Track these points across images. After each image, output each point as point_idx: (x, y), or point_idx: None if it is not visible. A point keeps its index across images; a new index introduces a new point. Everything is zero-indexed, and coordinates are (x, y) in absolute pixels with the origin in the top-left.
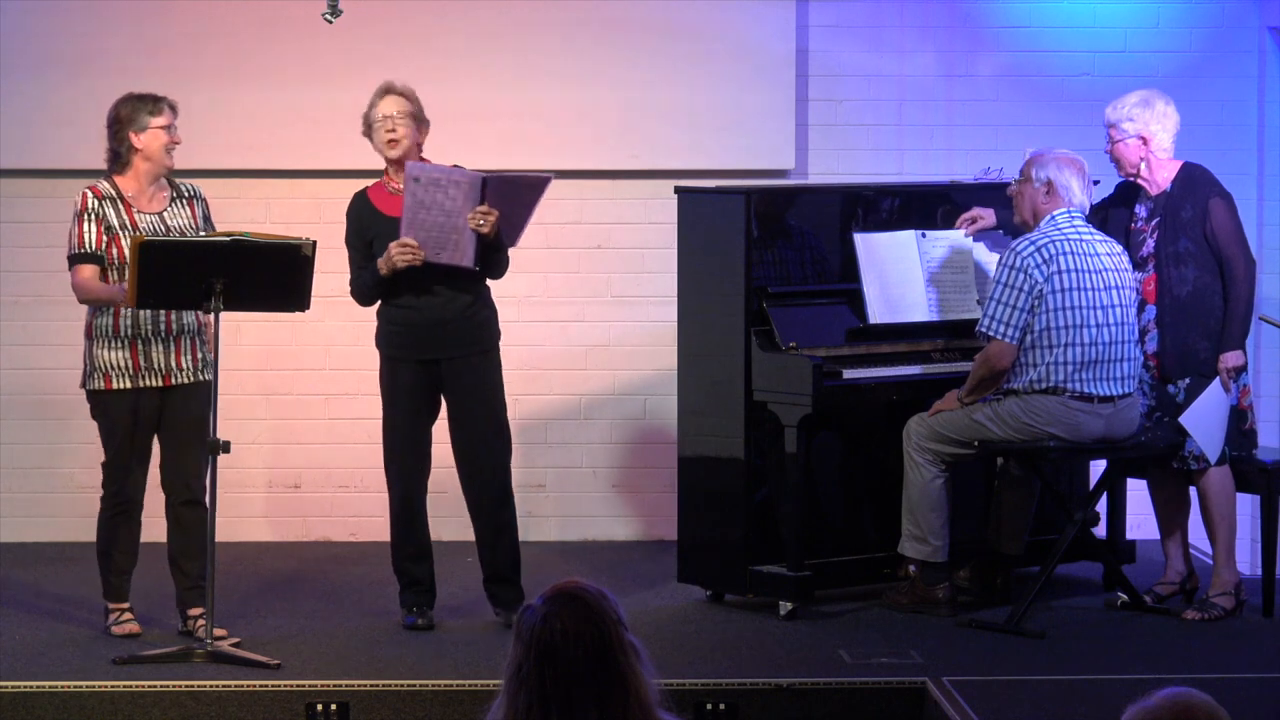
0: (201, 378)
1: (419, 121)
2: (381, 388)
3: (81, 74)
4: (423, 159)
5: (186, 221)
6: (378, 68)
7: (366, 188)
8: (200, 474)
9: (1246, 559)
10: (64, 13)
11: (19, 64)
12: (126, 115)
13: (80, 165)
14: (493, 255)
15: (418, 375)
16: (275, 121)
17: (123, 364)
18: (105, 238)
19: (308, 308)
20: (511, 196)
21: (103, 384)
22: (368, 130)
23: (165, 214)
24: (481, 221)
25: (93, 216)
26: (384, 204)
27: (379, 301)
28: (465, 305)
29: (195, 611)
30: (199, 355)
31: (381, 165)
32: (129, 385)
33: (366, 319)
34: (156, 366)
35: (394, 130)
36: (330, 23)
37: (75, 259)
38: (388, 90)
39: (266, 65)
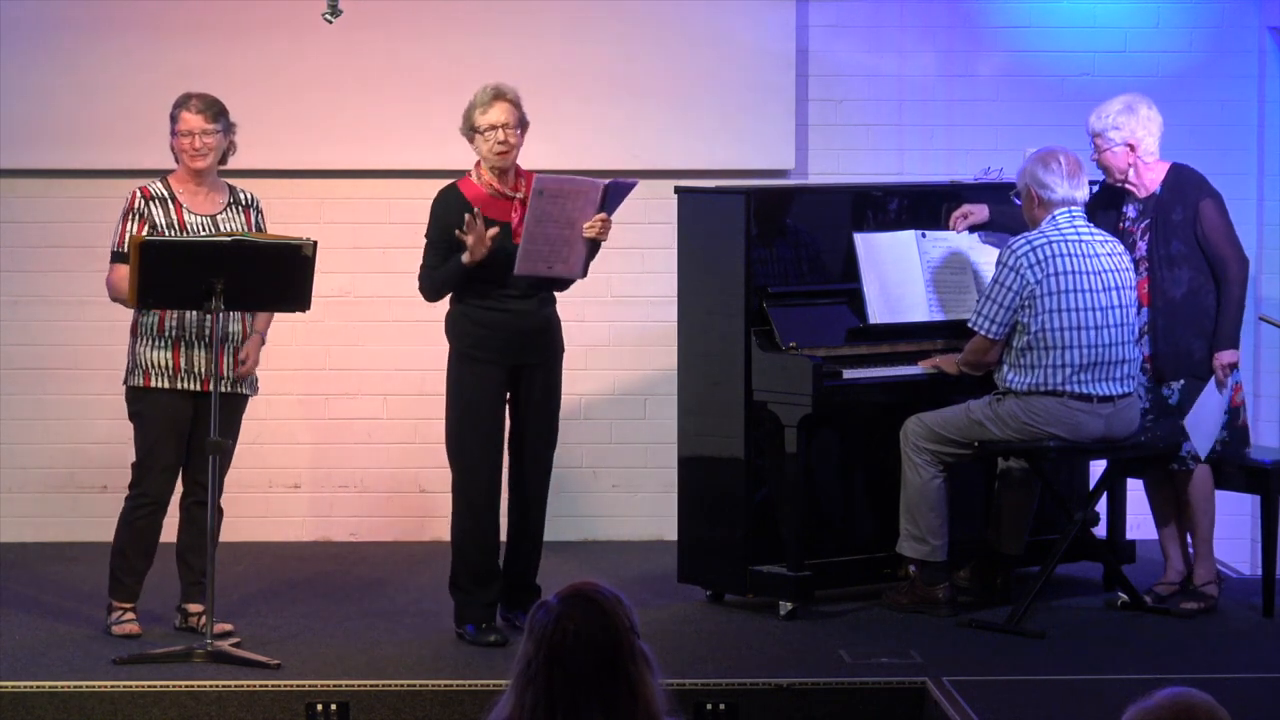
0: (238, 390)
1: (525, 126)
2: (451, 385)
3: (82, 74)
4: (516, 163)
5: (240, 227)
6: (378, 68)
7: (456, 181)
8: (220, 478)
9: (1246, 559)
10: (64, 13)
11: (19, 64)
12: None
13: (80, 165)
14: (589, 261)
15: (496, 376)
16: (275, 121)
17: (164, 364)
18: (149, 237)
19: (308, 308)
20: (616, 200)
21: (142, 381)
22: (469, 131)
23: (219, 217)
24: (600, 230)
25: (137, 216)
26: (482, 203)
27: (450, 297)
28: (547, 312)
29: (195, 608)
30: (240, 368)
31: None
32: (167, 385)
33: (366, 319)
34: (196, 370)
35: (505, 141)
36: (330, 23)
37: (115, 257)
38: (498, 96)
39: (266, 65)
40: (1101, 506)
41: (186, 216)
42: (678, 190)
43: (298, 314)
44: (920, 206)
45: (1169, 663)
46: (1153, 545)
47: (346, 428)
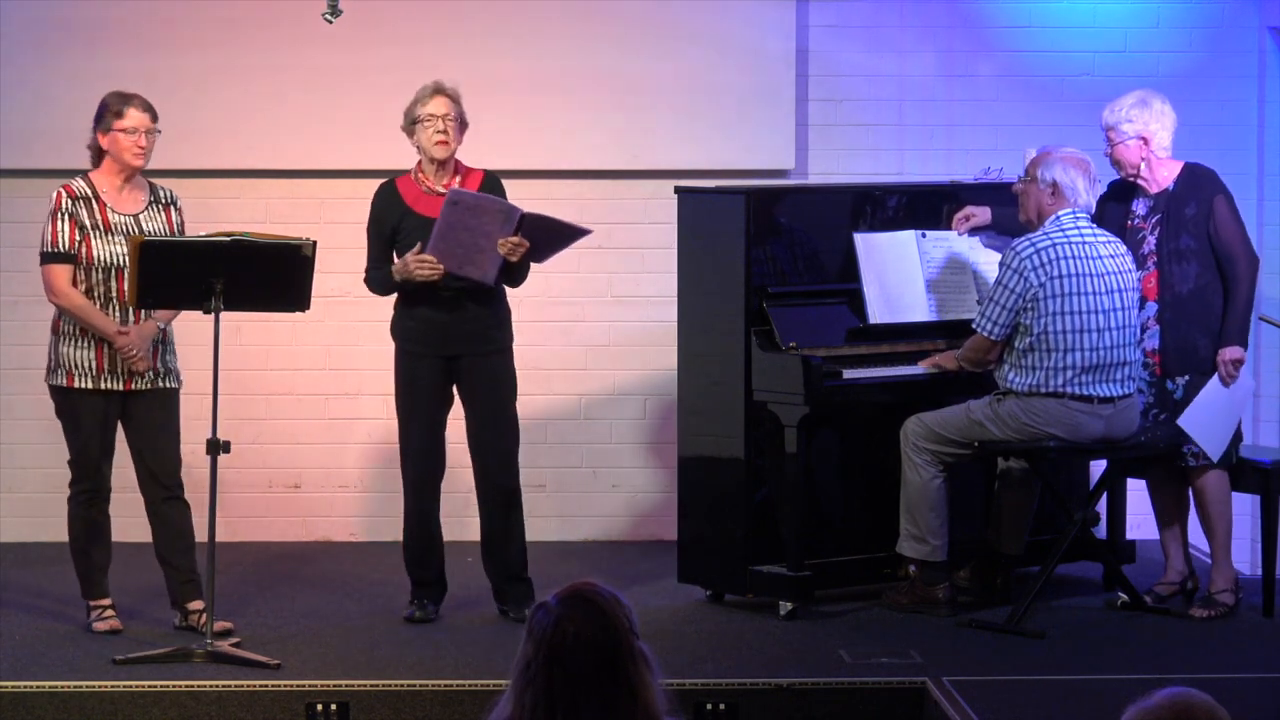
0: (162, 385)
1: (463, 124)
2: (397, 380)
3: (81, 74)
4: (457, 160)
5: (162, 226)
6: (377, 68)
7: (395, 178)
8: (175, 471)
9: (1246, 559)
10: (64, 13)
11: (19, 63)
12: (101, 113)
13: (80, 165)
14: (514, 274)
15: (435, 369)
16: (275, 121)
17: (87, 364)
18: (77, 237)
19: (308, 308)
20: (545, 233)
21: (65, 381)
22: (410, 125)
23: (141, 216)
24: (510, 250)
25: (66, 216)
26: (414, 199)
27: (396, 294)
28: (485, 304)
29: (195, 605)
30: (161, 362)
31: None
32: (91, 386)
33: (366, 319)
34: (119, 370)
35: (445, 132)
36: (330, 23)
37: (49, 257)
38: (438, 90)
39: (266, 65)
40: (1101, 506)
41: (111, 216)
42: (678, 190)
43: (298, 314)
44: (920, 206)
45: (1169, 663)
46: (1153, 545)
47: (346, 428)
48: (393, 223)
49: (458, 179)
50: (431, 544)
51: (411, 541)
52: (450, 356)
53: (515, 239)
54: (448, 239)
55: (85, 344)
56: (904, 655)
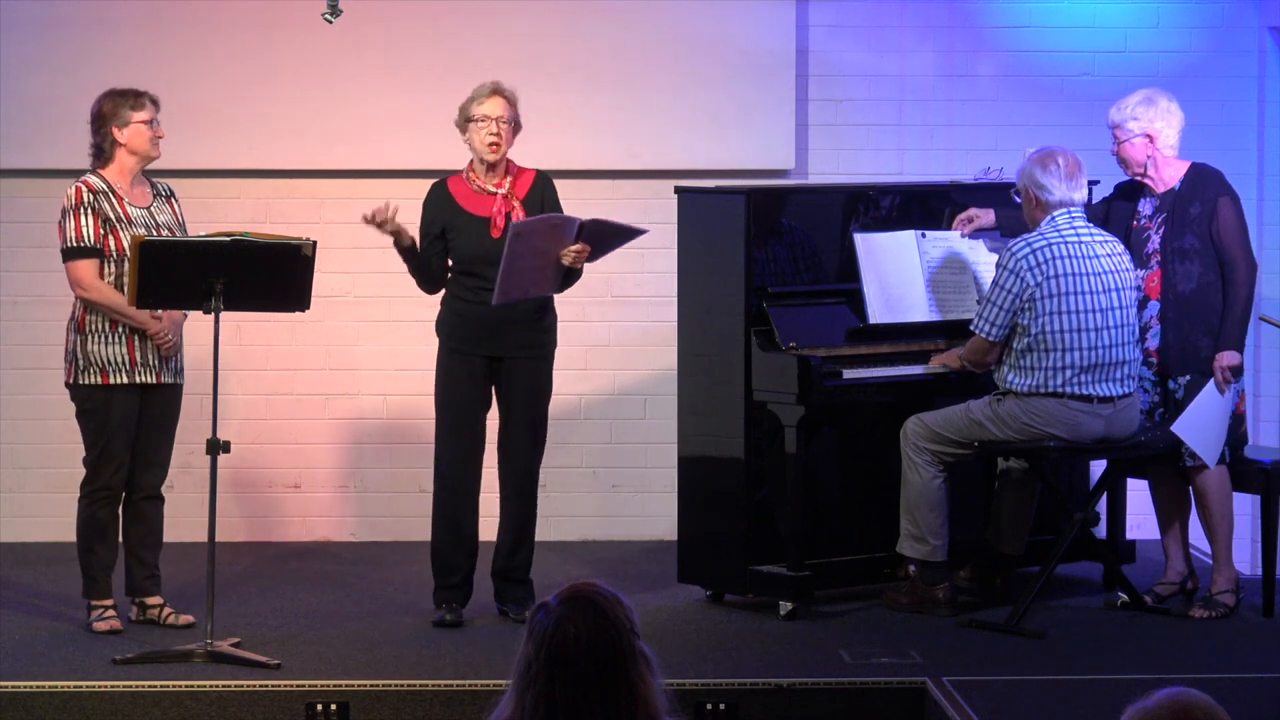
0: (179, 380)
1: (517, 126)
2: (438, 377)
3: (81, 74)
4: (509, 160)
5: (170, 218)
6: (378, 68)
7: (446, 179)
8: (166, 470)
9: (1246, 559)
10: (64, 13)
11: (19, 64)
12: (109, 111)
13: (80, 165)
14: (569, 277)
15: (477, 368)
16: (275, 121)
17: (120, 359)
18: (102, 230)
19: (308, 308)
20: (603, 236)
21: (99, 379)
22: (464, 123)
23: (153, 208)
24: (574, 260)
25: (89, 210)
26: (465, 199)
27: (440, 295)
28: (534, 308)
29: (154, 600)
30: (178, 358)
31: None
32: (126, 381)
33: (366, 319)
34: (151, 363)
35: (497, 135)
36: (330, 23)
37: (75, 253)
38: (495, 91)
39: (266, 65)
40: (1101, 506)
41: (129, 209)
42: (678, 190)
43: (298, 314)
44: (920, 206)
45: (1169, 663)
46: (1153, 545)
47: (346, 428)
48: (444, 222)
49: (509, 179)
50: (463, 547)
51: (441, 545)
52: (494, 357)
53: (577, 247)
54: (515, 272)
55: (115, 339)
56: (904, 655)
